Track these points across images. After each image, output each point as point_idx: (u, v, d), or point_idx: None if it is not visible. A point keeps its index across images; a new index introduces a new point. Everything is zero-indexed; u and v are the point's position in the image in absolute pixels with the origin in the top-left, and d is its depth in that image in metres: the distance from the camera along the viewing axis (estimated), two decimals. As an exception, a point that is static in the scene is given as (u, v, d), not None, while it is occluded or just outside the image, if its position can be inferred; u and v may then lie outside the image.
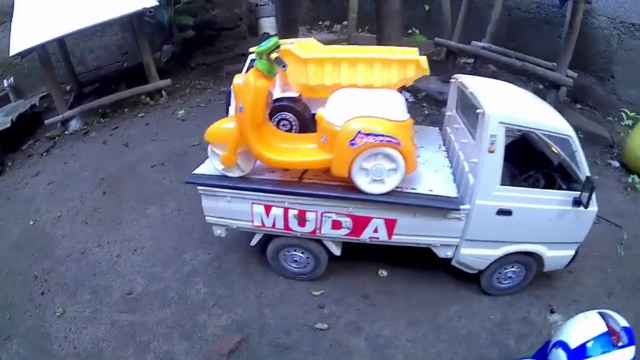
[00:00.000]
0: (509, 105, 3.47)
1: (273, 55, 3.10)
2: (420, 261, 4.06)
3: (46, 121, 7.50)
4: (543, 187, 3.73)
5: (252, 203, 3.56)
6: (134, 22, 7.53)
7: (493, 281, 3.99)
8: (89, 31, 7.86)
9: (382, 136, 3.02)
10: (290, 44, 3.97)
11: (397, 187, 3.33)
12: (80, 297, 4.25)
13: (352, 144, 3.05)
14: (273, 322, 3.79)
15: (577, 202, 3.39)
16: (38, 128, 7.95)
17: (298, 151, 3.37)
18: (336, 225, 3.52)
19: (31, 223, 5.41)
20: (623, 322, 2.52)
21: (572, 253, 3.83)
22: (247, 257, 4.39)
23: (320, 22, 11.26)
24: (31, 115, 8.10)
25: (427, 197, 3.33)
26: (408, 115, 3.31)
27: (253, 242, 3.97)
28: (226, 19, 9.76)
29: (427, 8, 9.37)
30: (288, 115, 3.85)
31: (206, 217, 3.84)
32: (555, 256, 3.83)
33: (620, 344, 2.37)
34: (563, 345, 2.48)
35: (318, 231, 3.60)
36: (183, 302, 4.04)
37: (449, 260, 3.84)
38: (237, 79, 3.16)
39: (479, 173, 3.28)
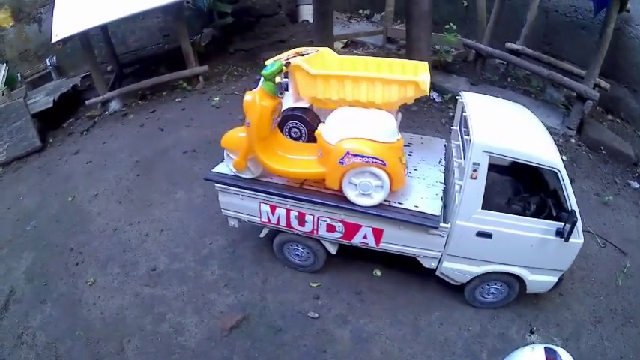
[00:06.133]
0: (497, 133, 3.59)
1: (277, 79, 3.53)
2: (413, 266, 4.28)
3: (87, 102, 8.06)
4: (534, 211, 3.84)
5: (260, 202, 4.08)
6: (173, 10, 7.92)
7: (476, 294, 4.26)
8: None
9: (369, 157, 3.40)
10: (307, 55, 4.44)
11: (385, 201, 3.71)
12: (110, 269, 4.91)
13: (341, 162, 3.46)
14: (273, 306, 4.34)
15: (559, 233, 3.54)
16: (80, 107, 8.50)
17: (299, 162, 3.81)
18: (331, 228, 3.99)
19: (70, 199, 6.05)
20: None
21: (555, 279, 3.98)
22: (259, 245, 4.93)
23: (360, 11, 11.29)
24: (72, 94, 8.68)
25: (410, 213, 3.68)
26: (398, 137, 3.62)
27: (262, 235, 4.55)
28: (265, 6, 10.16)
29: (465, 4, 9.29)
30: (298, 124, 4.26)
31: (222, 210, 4.41)
32: (537, 280, 4.00)
33: None
34: None
35: (315, 232, 4.08)
36: (198, 281, 4.66)
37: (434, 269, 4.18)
38: (247, 96, 3.61)
39: (461, 197, 3.57)
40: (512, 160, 3.57)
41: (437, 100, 7.74)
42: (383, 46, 9.31)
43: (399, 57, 8.51)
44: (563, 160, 6.47)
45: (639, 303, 4.61)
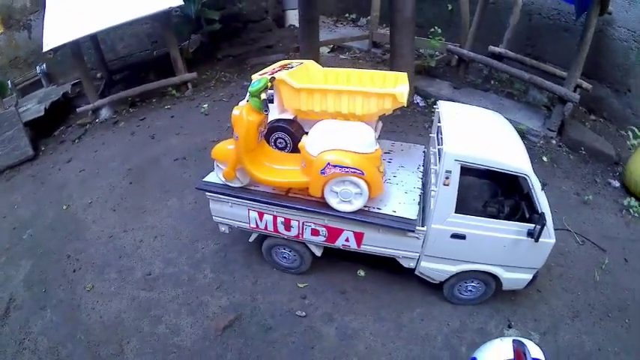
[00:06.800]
0: (468, 142, 3.86)
1: (263, 95, 3.85)
2: (395, 266, 4.53)
3: (77, 110, 8.21)
4: (508, 213, 4.15)
5: (249, 209, 4.42)
6: (161, 17, 8.08)
7: (454, 292, 4.54)
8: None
9: (348, 167, 3.73)
10: (292, 68, 4.79)
11: (365, 207, 4.04)
12: (107, 275, 5.17)
13: (322, 172, 3.78)
14: (263, 306, 4.67)
15: (530, 234, 3.81)
16: (70, 114, 8.64)
17: (284, 172, 4.14)
18: (315, 232, 4.33)
19: (64, 207, 6.29)
20: (538, 355, 2.85)
21: (529, 277, 4.25)
22: (249, 249, 5.24)
23: (346, 15, 11.56)
24: (63, 101, 8.81)
25: (389, 218, 4.01)
26: (376, 147, 3.93)
27: (251, 239, 4.89)
28: (252, 11, 10.39)
29: (450, 8, 9.58)
30: (284, 135, 4.60)
31: (213, 217, 4.74)
32: (512, 278, 4.26)
33: None
34: None
35: (300, 236, 4.42)
36: (192, 284, 4.97)
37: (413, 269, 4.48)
38: (235, 112, 3.92)
39: (435, 202, 3.88)
40: (484, 167, 3.83)
41: (420, 104, 8.04)
42: (369, 50, 9.62)
43: (384, 61, 8.90)
44: (543, 160, 6.99)
45: (617, 298, 4.82)
